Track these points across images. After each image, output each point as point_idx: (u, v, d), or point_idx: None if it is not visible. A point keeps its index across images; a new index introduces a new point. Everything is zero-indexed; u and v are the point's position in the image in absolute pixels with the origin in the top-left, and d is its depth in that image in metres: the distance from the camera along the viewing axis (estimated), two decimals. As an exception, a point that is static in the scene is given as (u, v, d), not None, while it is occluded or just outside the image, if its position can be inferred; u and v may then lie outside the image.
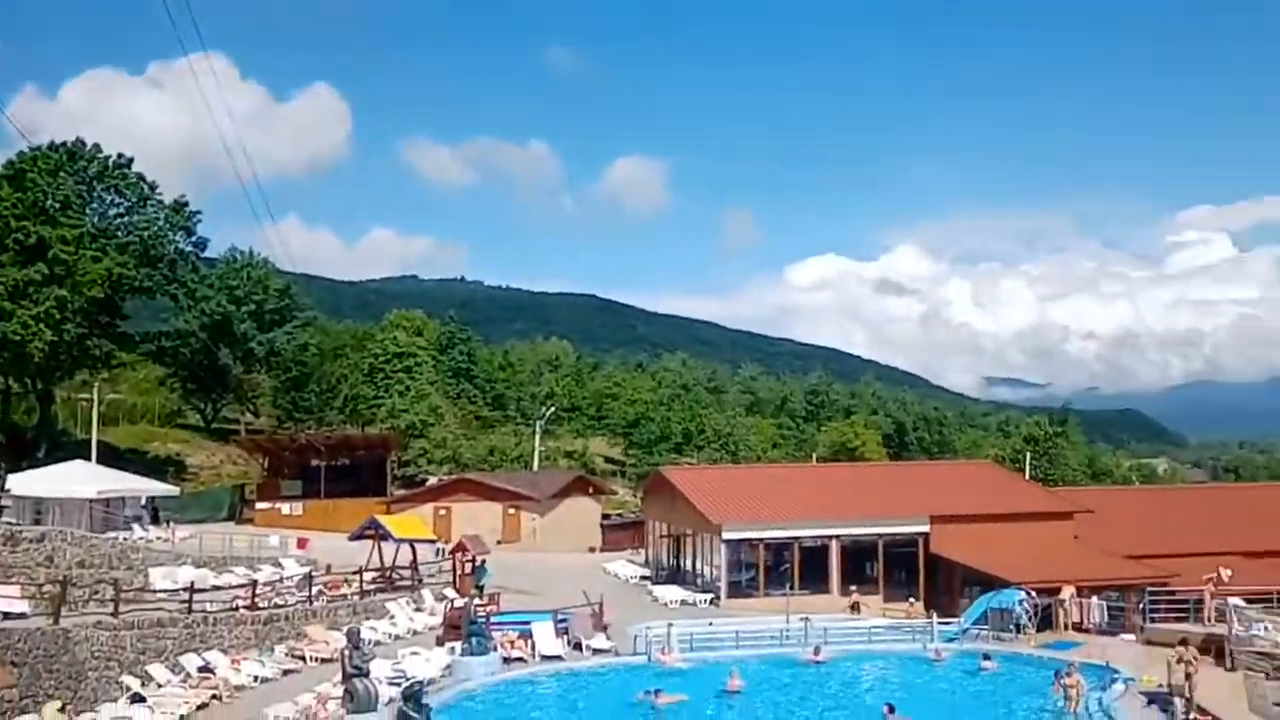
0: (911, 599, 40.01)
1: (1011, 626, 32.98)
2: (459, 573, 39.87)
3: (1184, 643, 24.27)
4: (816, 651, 30.15)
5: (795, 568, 42.23)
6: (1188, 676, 23.26)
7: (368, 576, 36.68)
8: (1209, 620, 31.65)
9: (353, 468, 64.11)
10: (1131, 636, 32.80)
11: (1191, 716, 21.89)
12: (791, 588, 40.46)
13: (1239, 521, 46.26)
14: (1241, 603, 30.80)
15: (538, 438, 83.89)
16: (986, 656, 29.79)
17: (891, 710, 23.58)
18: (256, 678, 26.09)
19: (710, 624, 33.77)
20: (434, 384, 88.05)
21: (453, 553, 41.31)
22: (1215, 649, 27.95)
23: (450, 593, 37.74)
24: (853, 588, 40.83)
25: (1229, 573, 33.45)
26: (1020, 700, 25.93)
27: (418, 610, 35.35)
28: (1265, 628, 29.08)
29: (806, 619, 33.41)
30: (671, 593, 41.78)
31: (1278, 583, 35.31)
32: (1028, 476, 78.28)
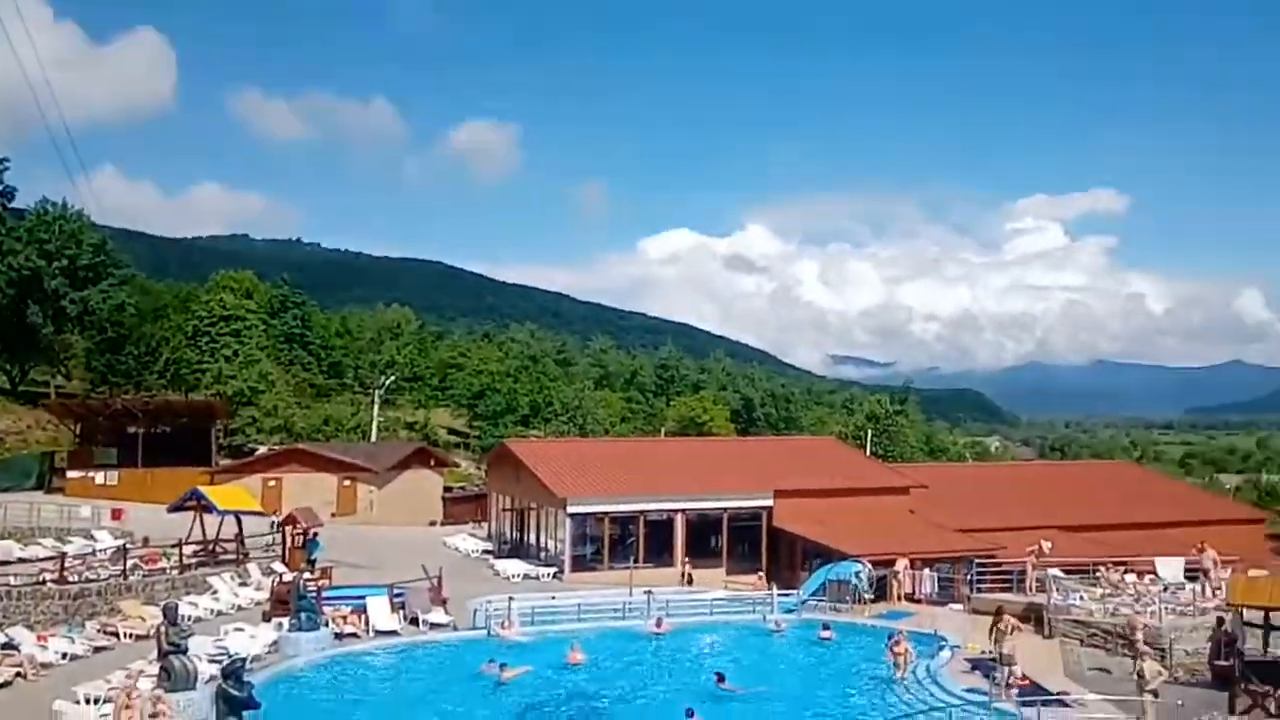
0: (760, 573, 41.09)
1: (848, 597, 34.40)
2: (289, 546, 38.88)
3: (1000, 612, 25.89)
4: (658, 624, 30.78)
5: (640, 541, 42.88)
6: (999, 640, 24.82)
7: (188, 550, 35.36)
8: (1030, 590, 33.81)
9: (174, 436, 61.53)
10: (960, 606, 34.69)
11: (1011, 681, 23.31)
12: (636, 561, 41.11)
13: (1061, 497, 49.47)
14: (1060, 574, 32.99)
15: (376, 407, 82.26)
16: (826, 626, 30.97)
17: (721, 679, 24.31)
18: (65, 655, 24.87)
19: (553, 597, 34.08)
20: (264, 349, 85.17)
21: (282, 525, 40.23)
22: (1035, 617, 29.89)
23: (279, 567, 36.73)
24: (685, 559, 41.70)
25: (1049, 545, 35.81)
26: (856, 668, 27.10)
27: (243, 585, 34.31)
28: (1081, 597, 31.29)
29: (649, 592, 34.06)
30: (514, 566, 41.80)
31: (1094, 555, 38.01)
32: (869, 453, 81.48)
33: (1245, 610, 24.02)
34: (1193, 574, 33.04)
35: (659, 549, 42.74)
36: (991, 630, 25.49)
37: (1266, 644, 23.92)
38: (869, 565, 35.29)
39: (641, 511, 43.13)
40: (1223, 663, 24.24)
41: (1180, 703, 20.89)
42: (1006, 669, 23.19)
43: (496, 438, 79.30)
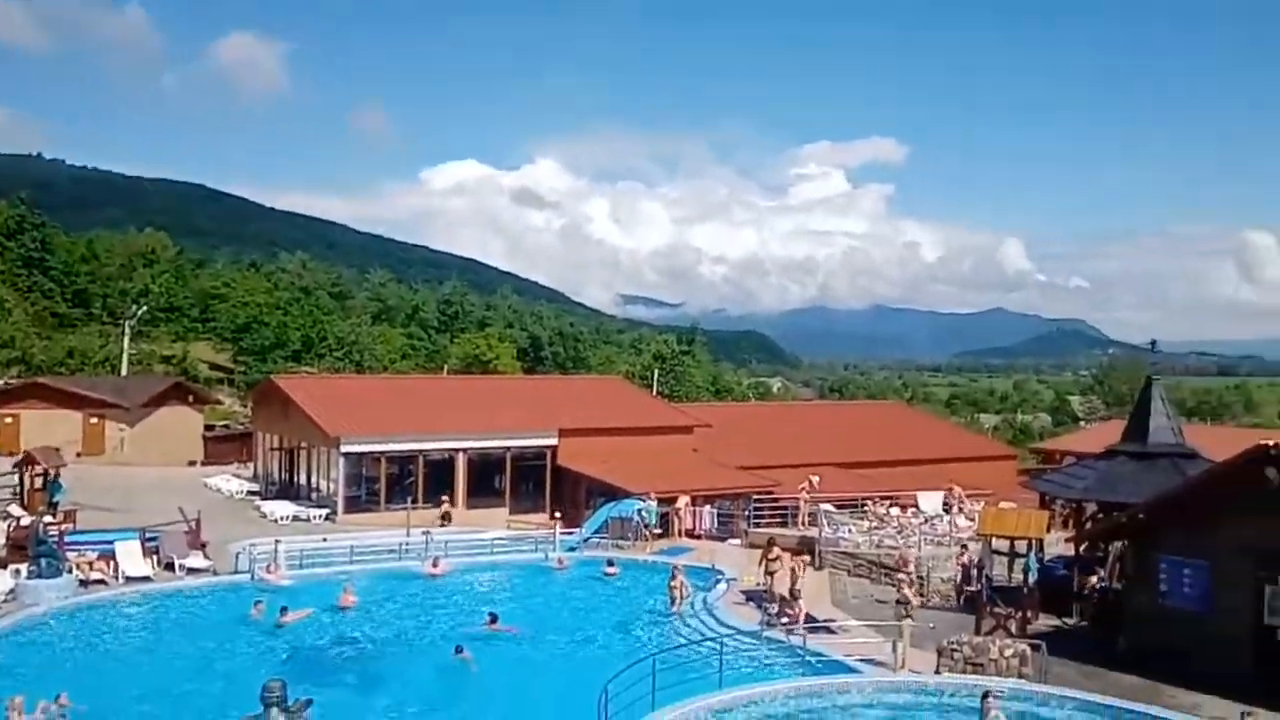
0: (557, 513, 41.14)
1: (630, 534, 35.50)
2: (27, 488, 36.41)
3: (771, 543, 27.43)
4: (435, 564, 30.83)
5: (420, 481, 42.61)
6: (772, 574, 26.39)
7: (-94, 494, 32.58)
8: (804, 524, 35.91)
9: (-113, 368, 56.14)
10: (738, 541, 36.44)
11: (780, 608, 24.80)
12: (415, 502, 40.82)
13: (836, 436, 52.45)
14: (832, 508, 35.17)
15: (127, 339, 77.54)
16: (610, 563, 31.86)
17: (494, 620, 24.65)
18: None
19: (324, 539, 33.59)
20: (-2, 274, 78.74)
21: (19, 466, 37.58)
22: (807, 550, 31.77)
23: (16, 510, 34.37)
24: (443, 496, 41.49)
25: (817, 479, 38.13)
26: (638, 602, 28.09)
27: (-27, 531, 31.92)
28: (849, 530, 33.50)
29: (428, 532, 34.06)
30: (283, 508, 40.75)
31: (864, 490, 40.66)
32: (655, 392, 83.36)
33: (994, 539, 26.31)
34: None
35: (440, 489, 42.59)
36: (761, 560, 26.96)
37: (1011, 570, 26.37)
38: (656, 501, 36.47)
39: (420, 451, 42.82)
40: (971, 588, 26.66)
41: (932, 625, 22.75)
42: (795, 604, 24.46)
43: (264, 373, 76.43)
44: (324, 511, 40.76)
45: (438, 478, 42.97)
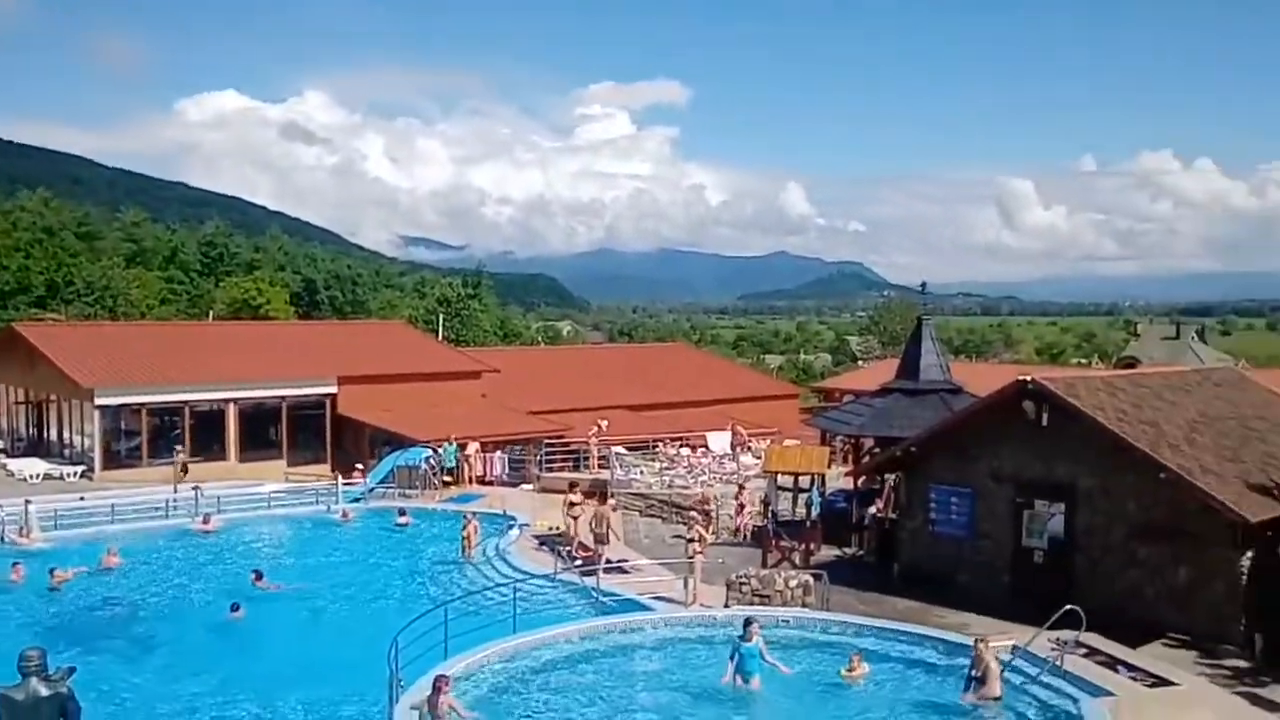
0: (358, 466, 39.64)
1: (418, 483, 35.24)
2: None
3: (573, 487, 27.91)
4: (206, 520, 29.81)
5: (186, 434, 40.83)
6: (575, 519, 26.84)
7: None
8: (595, 467, 36.61)
9: None
10: (530, 486, 36.80)
11: (574, 551, 25.30)
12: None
13: (626, 378, 53.48)
14: (623, 450, 35.97)
15: None
16: (402, 512, 31.60)
17: (259, 577, 24.09)
18: None
19: (81, 498, 31.95)
20: None
21: None
22: (600, 492, 32.43)
23: None
24: (178, 448, 39.11)
25: (605, 423, 38.92)
26: (429, 551, 28.04)
27: None
28: (640, 472, 34.42)
29: (197, 488, 32.82)
30: (33, 466, 38.55)
31: (654, 432, 41.72)
32: (441, 337, 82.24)
33: (779, 476, 27.61)
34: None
35: (209, 442, 40.99)
36: (565, 504, 27.33)
37: (795, 504, 27.79)
38: (439, 450, 36.24)
39: (186, 401, 41.02)
40: (758, 523, 27.95)
41: (721, 561, 23.76)
42: (601, 546, 24.88)
43: (5, 321, 70.92)
44: (79, 469, 38.68)
45: (206, 430, 41.33)
